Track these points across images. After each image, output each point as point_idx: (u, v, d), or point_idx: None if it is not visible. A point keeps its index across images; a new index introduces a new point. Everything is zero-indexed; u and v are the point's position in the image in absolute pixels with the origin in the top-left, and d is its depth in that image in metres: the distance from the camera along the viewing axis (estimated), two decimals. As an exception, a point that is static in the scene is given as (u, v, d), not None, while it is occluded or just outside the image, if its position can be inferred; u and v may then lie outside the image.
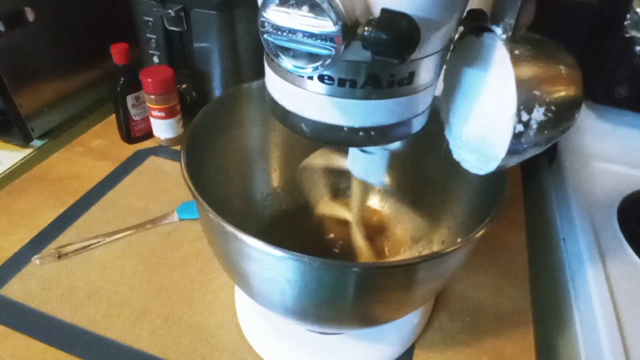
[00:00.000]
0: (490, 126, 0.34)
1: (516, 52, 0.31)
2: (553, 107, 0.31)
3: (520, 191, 0.72)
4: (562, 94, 0.31)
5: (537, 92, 0.30)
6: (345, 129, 0.31)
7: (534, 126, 0.31)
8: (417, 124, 0.33)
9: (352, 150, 0.41)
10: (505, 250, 0.63)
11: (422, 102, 0.32)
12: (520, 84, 0.30)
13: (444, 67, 0.34)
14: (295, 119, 0.32)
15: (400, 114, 0.31)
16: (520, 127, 0.31)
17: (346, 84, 0.28)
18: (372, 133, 0.31)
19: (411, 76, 0.29)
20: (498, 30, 0.31)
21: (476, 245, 0.37)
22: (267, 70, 0.33)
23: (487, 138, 0.35)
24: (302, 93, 0.30)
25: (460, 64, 0.36)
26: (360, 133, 0.31)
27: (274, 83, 0.32)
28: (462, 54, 0.36)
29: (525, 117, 0.30)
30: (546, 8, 0.71)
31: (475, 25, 0.34)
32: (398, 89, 0.29)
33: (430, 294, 0.50)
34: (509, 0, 0.29)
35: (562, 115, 0.32)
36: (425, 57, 0.29)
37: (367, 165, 0.41)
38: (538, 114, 0.30)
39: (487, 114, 0.34)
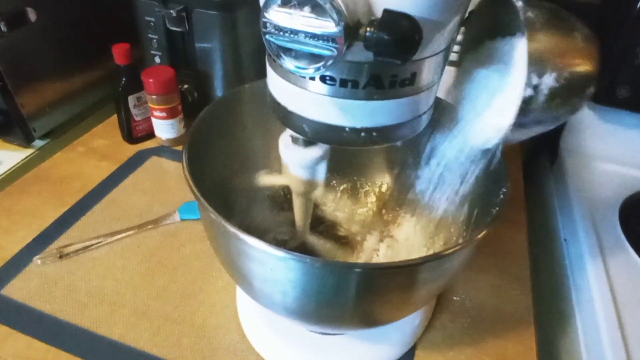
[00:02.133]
0: (501, 96, 0.34)
1: (530, 14, 0.29)
2: (566, 74, 0.29)
3: (521, 192, 0.72)
4: (576, 62, 0.30)
5: (549, 57, 0.29)
6: (347, 129, 0.31)
7: (544, 91, 0.29)
8: (419, 125, 0.33)
9: (291, 153, 0.40)
10: (507, 250, 0.63)
11: (424, 102, 0.32)
12: (533, 45, 0.29)
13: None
14: (297, 119, 0.32)
15: (402, 114, 0.31)
16: (529, 91, 0.29)
17: (348, 85, 0.28)
18: (374, 134, 0.31)
19: (413, 77, 0.29)
20: None
21: (478, 246, 0.37)
22: (269, 70, 0.33)
23: (496, 109, 0.34)
24: (303, 94, 0.30)
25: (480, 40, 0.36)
26: (362, 134, 0.31)
27: (275, 83, 0.32)
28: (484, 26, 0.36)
29: (535, 80, 0.29)
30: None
31: None
32: (400, 90, 0.29)
33: (431, 295, 0.50)
34: None
35: (573, 86, 0.30)
36: (427, 57, 0.29)
37: (309, 163, 0.41)
38: (549, 79, 0.29)
39: (500, 86, 0.34)
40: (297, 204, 0.45)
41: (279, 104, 0.33)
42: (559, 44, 0.30)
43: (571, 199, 0.67)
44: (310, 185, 0.42)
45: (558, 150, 0.79)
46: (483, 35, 0.36)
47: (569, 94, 0.31)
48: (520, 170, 0.76)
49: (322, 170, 0.41)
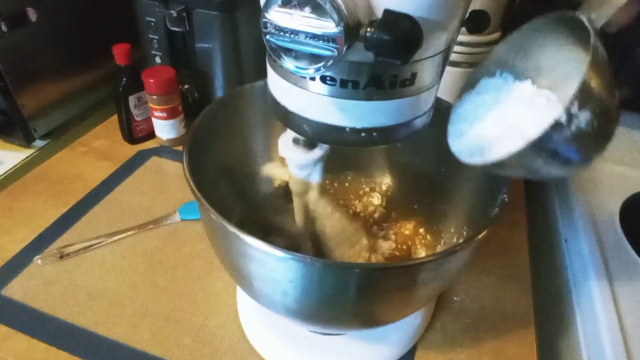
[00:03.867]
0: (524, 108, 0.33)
1: (598, 44, 0.28)
2: (601, 120, 0.29)
3: (522, 192, 0.72)
4: (612, 114, 0.30)
5: (596, 91, 0.28)
6: (347, 129, 0.31)
7: (574, 125, 0.28)
8: (420, 125, 0.33)
9: (291, 153, 0.40)
10: (507, 251, 0.63)
11: (424, 103, 0.32)
12: (591, 74, 0.28)
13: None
14: (298, 119, 0.32)
15: (402, 114, 0.31)
16: (564, 117, 0.28)
17: (348, 85, 0.28)
18: (374, 134, 0.31)
19: (413, 77, 0.29)
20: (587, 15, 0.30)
21: (478, 247, 0.37)
22: (269, 71, 0.33)
23: (515, 119, 0.33)
24: (304, 94, 0.30)
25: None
26: (363, 134, 0.31)
27: (276, 84, 0.32)
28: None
29: (574, 109, 0.28)
30: (547, 8, 0.71)
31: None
32: (400, 90, 0.29)
33: (432, 295, 0.50)
34: None
35: (599, 133, 0.30)
36: (428, 58, 0.29)
37: (308, 164, 0.41)
38: (585, 115, 0.28)
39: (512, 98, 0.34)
40: (297, 203, 0.45)
41: (279, 104, 0.33)
42: (607, 86, 0.29)
43: (571, 199, 0.67)
44: (307, 185, 0.42)
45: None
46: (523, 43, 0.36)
47: (591, 138, 0.30)
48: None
49: (318, 172, 0.41)
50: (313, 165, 0.40)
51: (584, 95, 0.28)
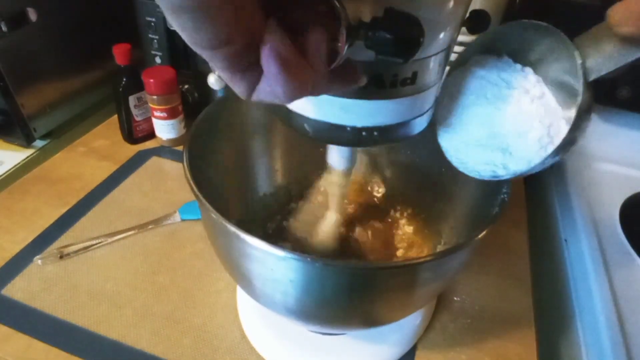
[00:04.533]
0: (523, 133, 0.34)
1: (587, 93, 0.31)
2: (581, 132, 0.32)
3: (522, 192, 0.72)
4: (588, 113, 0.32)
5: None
6: (348, 128, 0.31)
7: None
8: (420, 124, 0.33)
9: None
10: (507, 251, 0.63)
11: (425, 102, 0.32)
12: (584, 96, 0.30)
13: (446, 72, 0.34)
14: (298, 119, 0.32)
15: (403, 113, 0.31)
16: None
17: None
18: (375, 133, 0.31)
19: (414, 76, 0.29)
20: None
21: (478, 246, 0.37)
22: None
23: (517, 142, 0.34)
24: None
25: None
26: (363, 133, 0.31)
27: None
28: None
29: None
30: (548, 8, 0.71)
31: None
32: (401, 89, 0.29)
33: (432, 295, 0.50)
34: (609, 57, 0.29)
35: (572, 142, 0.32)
36: (429, 57, 0.29)
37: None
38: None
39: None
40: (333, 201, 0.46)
41: (280, 105, 0.33)
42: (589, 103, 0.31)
43: (571, 200, 0.67)
44: (346, 178, 0.42)
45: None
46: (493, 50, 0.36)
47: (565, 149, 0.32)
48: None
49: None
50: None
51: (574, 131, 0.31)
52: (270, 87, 0.23)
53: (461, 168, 0.37)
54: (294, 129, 0.33)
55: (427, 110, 0.33)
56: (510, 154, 0.34)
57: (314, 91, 0.24)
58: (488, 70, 0.34)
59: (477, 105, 0.34)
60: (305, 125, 0.32)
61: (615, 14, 0.27)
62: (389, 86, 0.29)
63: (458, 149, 0.36)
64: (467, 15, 0.32)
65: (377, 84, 0.29)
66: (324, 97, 0.29)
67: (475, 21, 0.34)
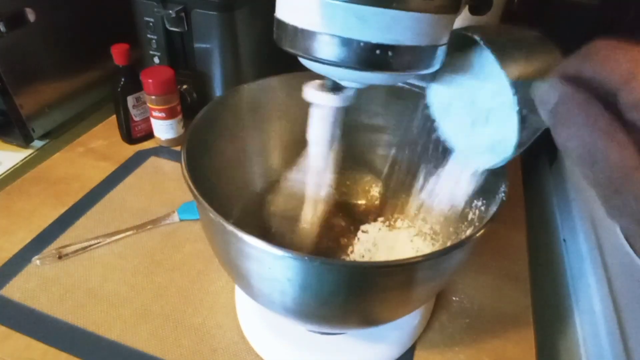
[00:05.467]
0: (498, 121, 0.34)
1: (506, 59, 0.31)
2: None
3: (521, 191, 0.72)
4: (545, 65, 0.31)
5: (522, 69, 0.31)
6: (361, 44, 0.29)
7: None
8: (435, 59, 0.32)
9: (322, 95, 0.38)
10: (506, 250, 0.63)
11: (442, 29, 0.31)
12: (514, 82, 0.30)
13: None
14: (307, 37, 0.30)
15: (419, 34, 0.29)
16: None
17: None
18: (390, 53, 0.29)
19: None
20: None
21: (476, 246, 0.37)
22: None
23: (496, 132, 0.35)
24: (317, 3, 0.29)
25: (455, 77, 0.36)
26: (377, 51, 0.29)
27: (287, 3, 0.31)
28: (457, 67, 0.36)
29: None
30: (546, 8, 0.71)
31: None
32: (420, 1, 0.28)
33: (430, 294, 0.50)
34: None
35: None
36: None
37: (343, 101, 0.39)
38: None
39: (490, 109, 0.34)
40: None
41: (287, 28, 0.31)
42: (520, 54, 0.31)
43: (570, 199, 0.67)
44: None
45: (557, 150, 0.79)
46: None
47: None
48: (520, 170, 0.76)
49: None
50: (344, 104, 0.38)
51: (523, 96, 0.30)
52: None
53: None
54: (302, 52, 0.31)
55: (443, 45, 0.32)
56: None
57: None
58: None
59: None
60: (314, 44, 0.30)
61: (533, 94, 0.23)
62: None
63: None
64: None
65: None
66: (338, 6, 0.28)
67: (479, 1, 0.33)
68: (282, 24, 0.31)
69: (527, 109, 0.30)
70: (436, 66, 0.32)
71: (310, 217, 0.47)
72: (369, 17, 0.28)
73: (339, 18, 0.28)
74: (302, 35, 0.30)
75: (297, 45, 0.31)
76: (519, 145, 0.32)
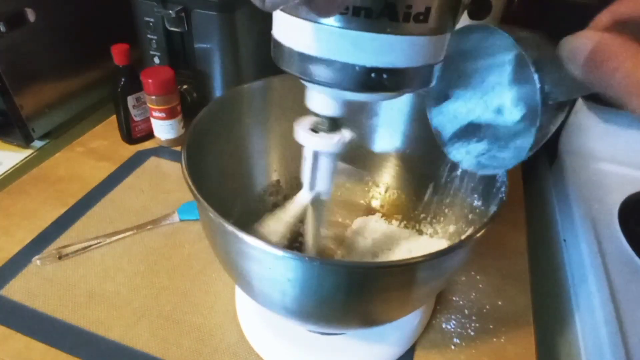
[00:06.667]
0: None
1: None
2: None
3: (521, 192, 0.72)
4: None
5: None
6: (356, 68, 0.29)
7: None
8: (430, 77, 0.32)
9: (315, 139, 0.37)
10: (506, 251, 0.63)
11: (437, 49, 0.31)
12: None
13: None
14: (303, 60, 0.30)
15: (414, 56, 0.30)
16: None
17: (361, 13, 0.27)
18: (385, 76, 0.29)
19: (427, 12, 0.28)
20: None
21: (476, 246, 0.37)
22: (276, 13, 0.32)
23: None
24: (312, 28, 0.29)
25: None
26: (372, 74, 0.29)
27: (282, 25, 0.31)
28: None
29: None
30: (546, 8, 0.71)
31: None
32: (414, 25, 0.28)
33: (430, 294, 0.50)
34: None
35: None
36: None
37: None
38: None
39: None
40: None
41: (283, 49, 0.31)
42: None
43: (570, 199, 0.67)
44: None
45: (557, 150, 0.79)
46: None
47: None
48: (520, 171, 0.76)
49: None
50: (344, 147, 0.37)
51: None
52: None
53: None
54: (297, 72, 0.32)
55: (438, 63, 0.32)
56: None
57: None
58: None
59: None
60: (310, 66, 0.30)
61: (562, 50, 0.25)
62: (402, 19, 0.27)
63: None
64: None
65: (390, 16, 0.27)
66: (334, 31, 0.28)
67: (478, 5, 0.33)
68: (278, 44, 0.32)
69: (549, 85, 0.30)
70: (432, 83, 0.32)
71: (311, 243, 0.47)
72: (364, 42, 0.28)
73: (334, 43, 0.29)
74: (298, 58, 0.31)
75: (294, 66, 0.31)
76: (539, 130, 0.32)
